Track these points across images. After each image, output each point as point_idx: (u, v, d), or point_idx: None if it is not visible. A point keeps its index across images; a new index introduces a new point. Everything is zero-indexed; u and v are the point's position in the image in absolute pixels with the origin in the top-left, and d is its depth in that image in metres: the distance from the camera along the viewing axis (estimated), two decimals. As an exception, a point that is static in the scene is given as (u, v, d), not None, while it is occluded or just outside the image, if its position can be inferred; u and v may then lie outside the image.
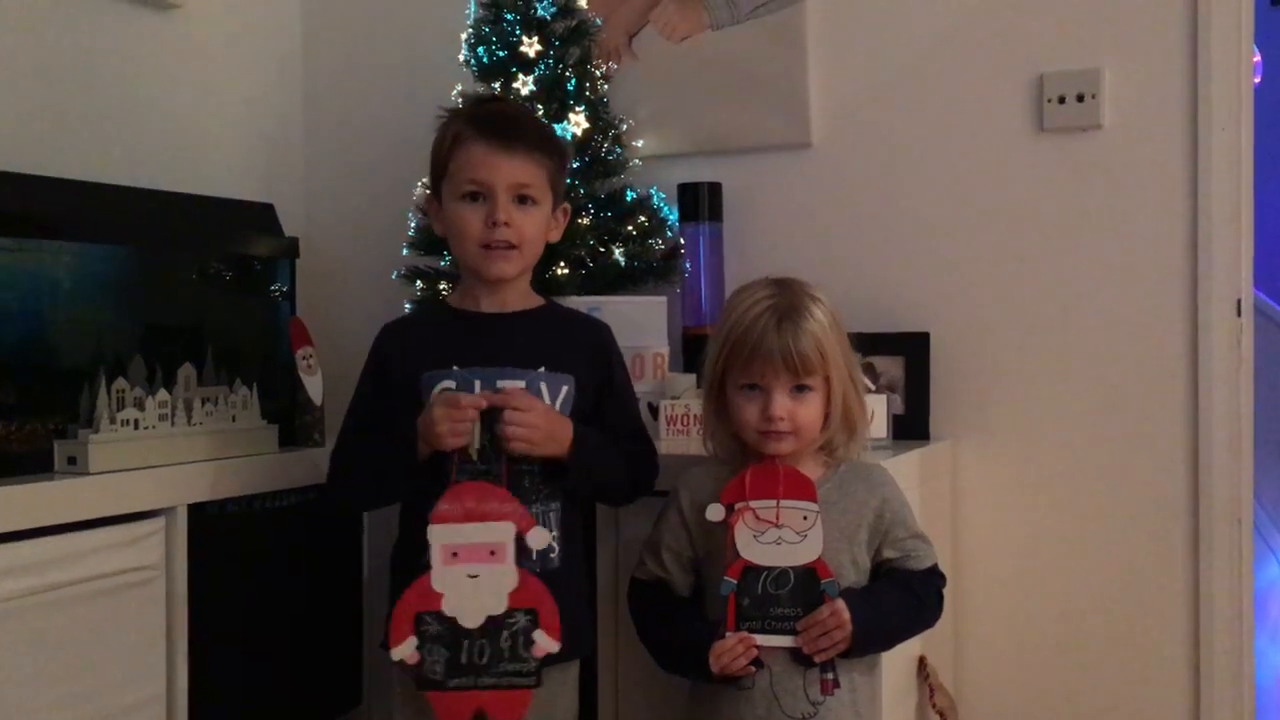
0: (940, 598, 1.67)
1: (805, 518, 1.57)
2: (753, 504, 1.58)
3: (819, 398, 1.60)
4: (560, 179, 1.75)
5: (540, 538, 1.60)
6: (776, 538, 1.57)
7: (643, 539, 1.81)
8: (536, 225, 1.70)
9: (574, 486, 1.67)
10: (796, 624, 1.54)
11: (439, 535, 1.58)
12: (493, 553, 1.58)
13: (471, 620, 1.57)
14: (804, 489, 1.58)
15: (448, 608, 1.57)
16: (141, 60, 2.40)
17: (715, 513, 1.59)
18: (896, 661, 1.77)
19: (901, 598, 1.61)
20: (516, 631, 1.58)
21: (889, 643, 1.64)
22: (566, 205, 1.79)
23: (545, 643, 1.58)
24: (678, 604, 1.65)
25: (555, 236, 1.77)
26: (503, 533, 1.58)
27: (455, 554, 1.57)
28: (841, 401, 1.62)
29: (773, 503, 1.57)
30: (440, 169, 1.72)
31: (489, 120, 1.71)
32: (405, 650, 1.57)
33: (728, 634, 1.55)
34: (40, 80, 2.21)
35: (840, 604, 1.54)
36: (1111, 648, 2.13)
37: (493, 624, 1.57)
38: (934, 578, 1.66)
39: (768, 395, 1.58)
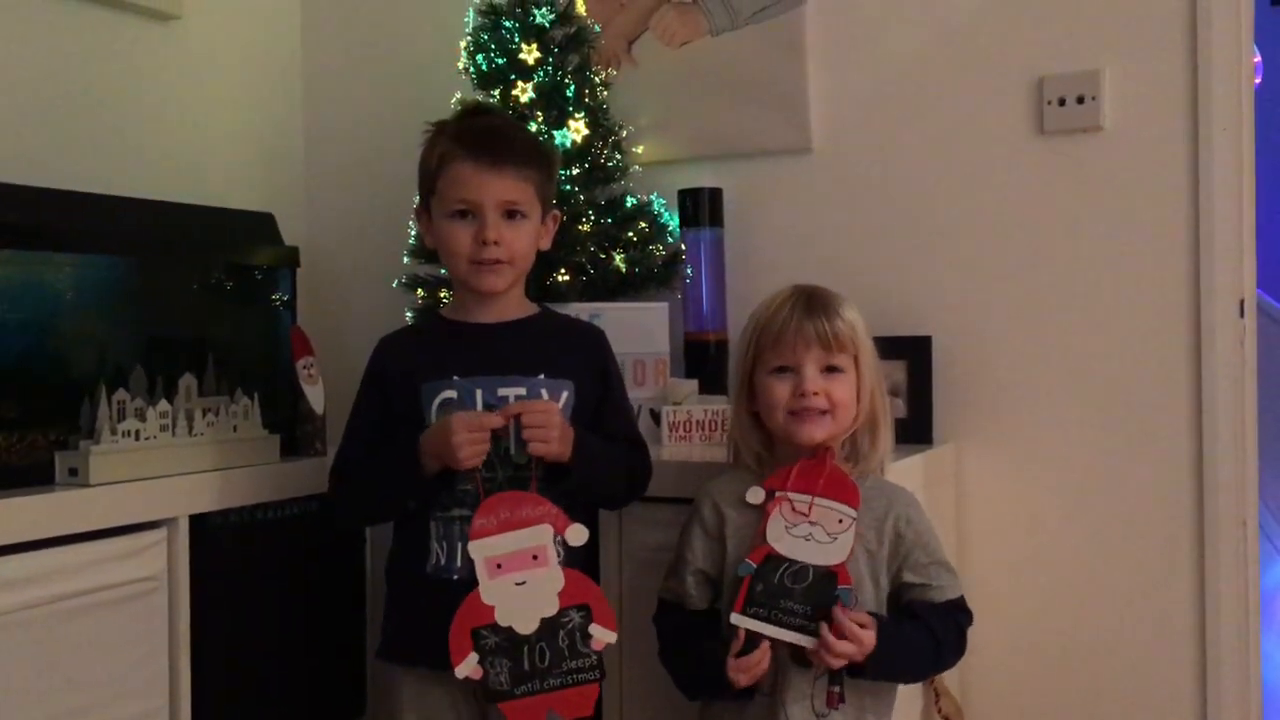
0: (962, 636, 1.62)
1: (840, 521, 1.55)
2: (790, 495, 1.57)
3: (850, 380, 1.59)
4: (549, 188, 1.75)
5: (579, 534, 1.61)
6: (807, 533, 1.55)
7: (646, 546, 1.81)
8: (526, 239, 1.71)
9: (575, 490, 1.67)
10: (821, 618, 1.51)
11: (480, 550, 1.59)
12: (535, 557, 1.60)
13: (526, 626, 1.59)
14: (847, 492, 1.56)
15: (501, 618, 1.58)
16: (141, 71, 2.40)
17: (756, 495, 1.58)
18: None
19: (924, 642, 1.57)
20: (572, 629, 1.60)
21: (896, 679, 1.61)
22: (556, 212, 1.79)
23: (602, 634, 1.61)
24: (696, 628, 1.63)
25: (546, 244, 1.78)
26: (542, 536, 1.60)
27: (499, 565, 1.59)
28: (870, 395, 1.60)
29: (808, 497, 1.56)
30: (428, 185, 1.73)
31: (475, 137, 1.70)
32: (468, 667, 1.58)
33: (746, 649, 1.53)
34: (40, 92, 2.21)
35: (872, 625, 1.51)
36: (1117, 650, 2.12)
37: (548, 626, 1.59)
38: (957, 614, 1.62)
39: (800, 374, 1.57)
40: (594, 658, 1.60)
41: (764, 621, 1.53)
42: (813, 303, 1.59)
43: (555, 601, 1.59)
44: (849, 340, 1.58)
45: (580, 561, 1.71)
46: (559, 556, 1.63)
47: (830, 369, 1.58)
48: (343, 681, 2.13)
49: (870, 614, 1.54)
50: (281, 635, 2.00)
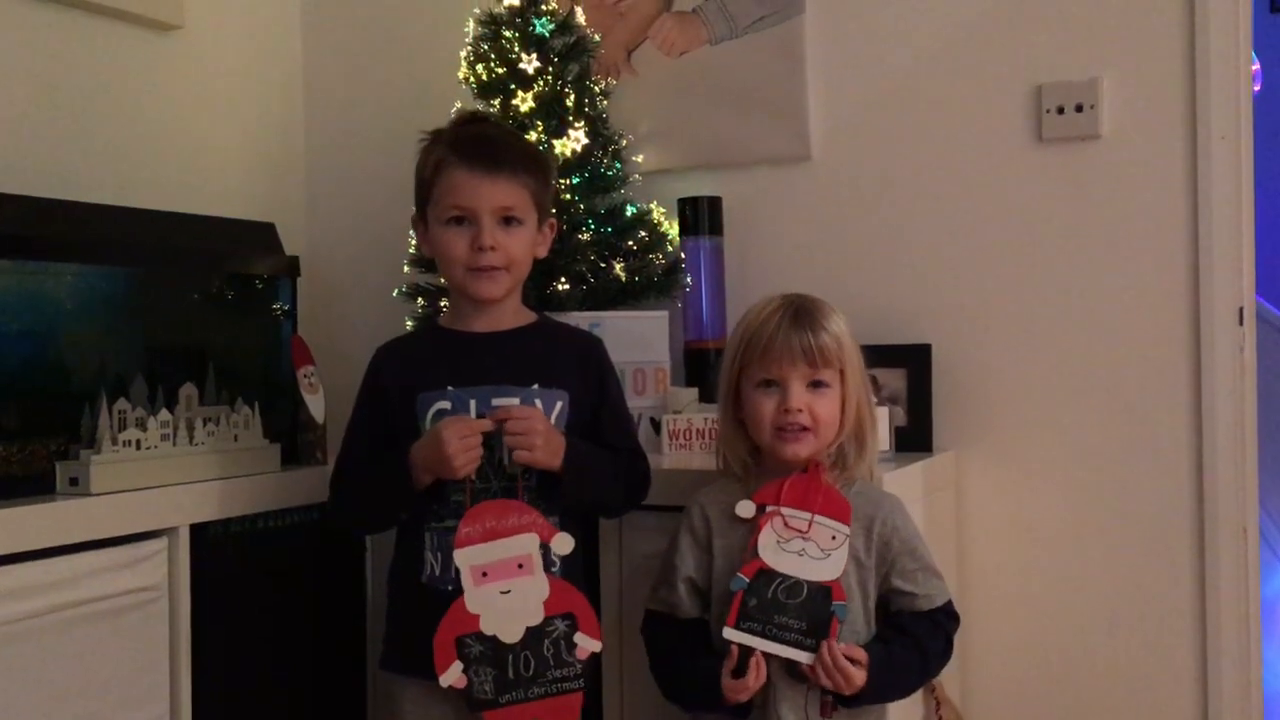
0: (949, 644, 1.63)
1: (834, 538, 1.57)
2: (784, 510, 1.57)
3: (835, 395, 1.60)
4: (545, 196, 1.75)
5: (564, 543, 1.62)
6: (800, 549, 1.56)
7: (646, 554, 1.81)
8: (522, 245, 1.71)
9: (568, 500, 1.67)
10: (816, 633, 1.53)
11: (465, 558, 1.59)
12: (521, 565, 1.60)
13: (511, 635, 1.59)
14: (840, 509, 1.58)
15: (486, 626, 1.59)
16: (143, 82, 2.41)
17: (746, 509, 1.59)
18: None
19: (913, 661, 1.59)
20: (557, 638, 1.60)
21: (885, 701, 1.62)
22: (553, 220, 1.80)
23: (587, 643, 1.61)
24: (688, 640, 1.63)
25: (542, 252, 1.78)
26: (527, 545, 1.60)
27: (485, 573, 1.59)
28: (856, 408, 1.61)
29: (807, 514, 1.57)
30: (424, 194, 1.73)
31: (470, 144, 1.71)
32: (452, 675, 1.58)
33: (740, 667, 1.54)
34: (42, 102, 2.22)
35: (864, 662, 1.52)
36: (1118, 660, 2.12)
37: (533, 634, 1.60)
38: (945, 621, 1.62)
39: (785, 389, 1.58)
40: (578, 667, 1.60)
41: (758, 636, 1.54)
42: (800, 316, 1.59)
43: (540, 610, 1.60)
44: (835, 355, 1.59)
45: (577, 570, 1.72)
46: (555, 565, 1.63)
47: (815, 383, 1.59)
48: (343, 691, 2.12)
49: (863, 647, 1.55)
50: (282, 645, 2.00)
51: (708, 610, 1.63)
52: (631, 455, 1.77)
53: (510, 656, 1.59)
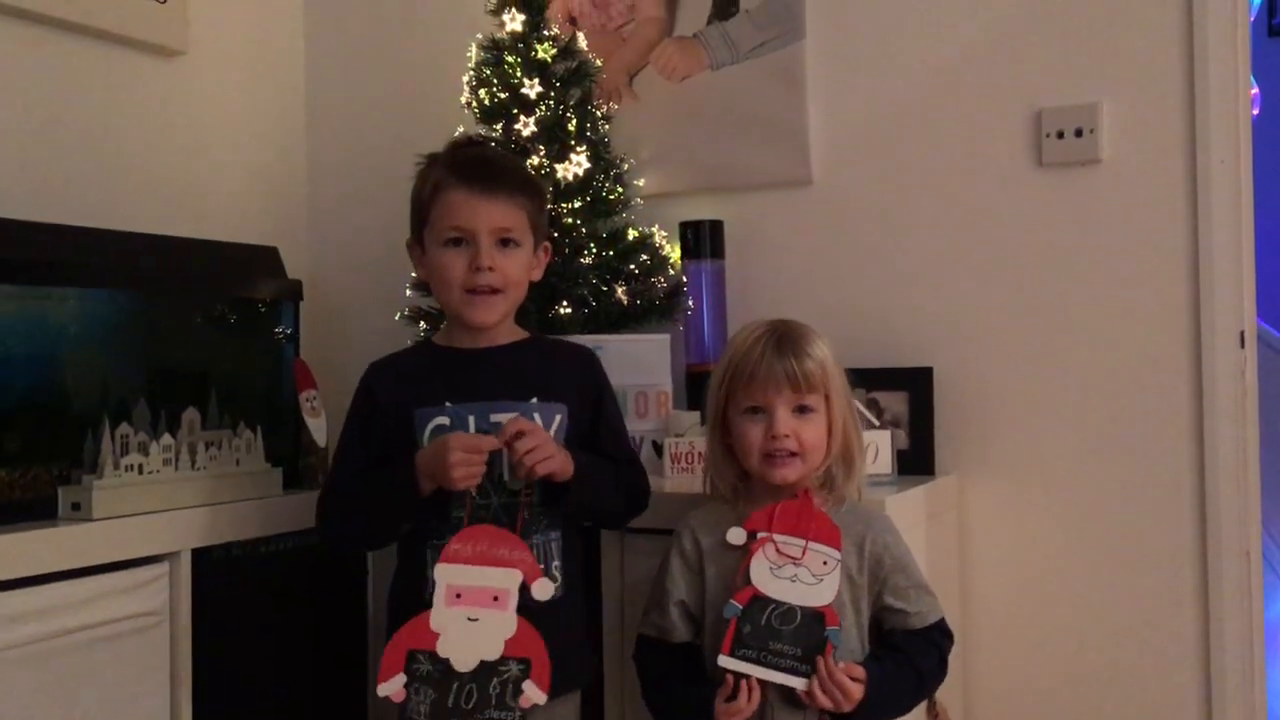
0: (943, 661, 1.64)
1: (825, 563, 1.57)
2: (776, 537, 1.58)
3: (821, 419, 1.61)
4: (540, 219, 1.76)
5: (544, 589, 1.60)
6: (793, 575, 1.57)
7: (649, 574, 1.81)
8: (519, 267, 1.72)
9: (573, 510, 1.68)
10: (811, 659, 1.53)
11: (446, 574, 1.58)
12: (496, 598, 1.58)
13: (464, 664, 1.57)
14: (831, 535, 1.59)
15: (442, 648, 1.57)
16: (147, 107, 2.42)
17: (737, 536, 1.59)
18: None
19: (908, 679, 1.59)
20: (507, 680, 1.57)
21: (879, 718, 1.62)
22: (548, 244, 1.81)
23: (533, 694, 1.57)
24: (681, 665, 1.63)
25: (537, 275, 1.79)
26: (508, 579, 1.58)
27: (459, 595, 1.57)
28: (842, 430, 1.63)
29: (801, 541, 1.58)
30: (421, 216, 1.73)
31: (468, 166, 1.72)
32: (392, 686, 1.56)
33: (735, 693, 1.54)
34: (46, 128, 2.23)
35: (863, 678, 1.53)
36: (1121, 681, 2.11)
37: (485, 669, 1.57)
38: (939, 639, 1.63)
39: (771, 416, 1.59)
40: (517, 714, 1.57)
41: (753, 663, 1.54)
42: (784, 343, 1.61)
43: (500, 647, 1.57)
44: (819, 381, 1.60)
45: (579, 589, 1.72)
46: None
47: (801, 409, 1.60)
48: (344, 713, 2.12)
49: (859, 663, 1.55)
50: (284, 668, 2.00)
51: (700, 635, 1.63)
52: (630, 466, 1.78)
53: (455, 685, 1.56)
